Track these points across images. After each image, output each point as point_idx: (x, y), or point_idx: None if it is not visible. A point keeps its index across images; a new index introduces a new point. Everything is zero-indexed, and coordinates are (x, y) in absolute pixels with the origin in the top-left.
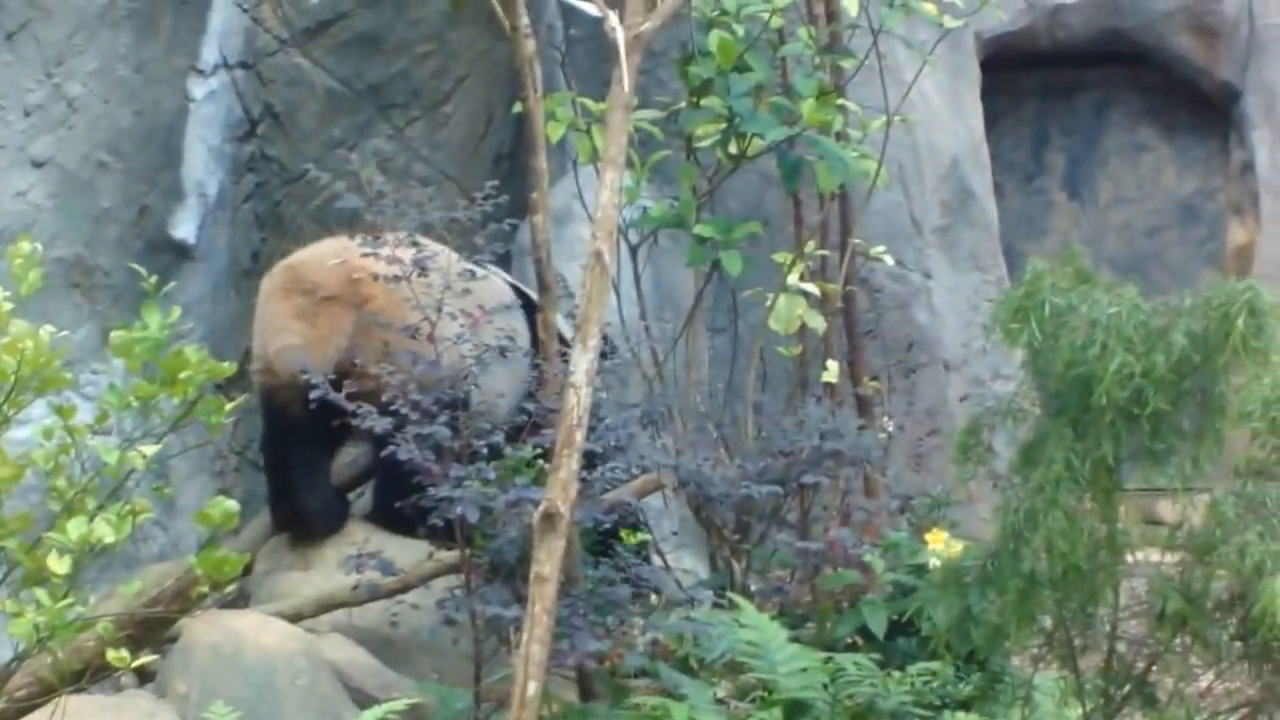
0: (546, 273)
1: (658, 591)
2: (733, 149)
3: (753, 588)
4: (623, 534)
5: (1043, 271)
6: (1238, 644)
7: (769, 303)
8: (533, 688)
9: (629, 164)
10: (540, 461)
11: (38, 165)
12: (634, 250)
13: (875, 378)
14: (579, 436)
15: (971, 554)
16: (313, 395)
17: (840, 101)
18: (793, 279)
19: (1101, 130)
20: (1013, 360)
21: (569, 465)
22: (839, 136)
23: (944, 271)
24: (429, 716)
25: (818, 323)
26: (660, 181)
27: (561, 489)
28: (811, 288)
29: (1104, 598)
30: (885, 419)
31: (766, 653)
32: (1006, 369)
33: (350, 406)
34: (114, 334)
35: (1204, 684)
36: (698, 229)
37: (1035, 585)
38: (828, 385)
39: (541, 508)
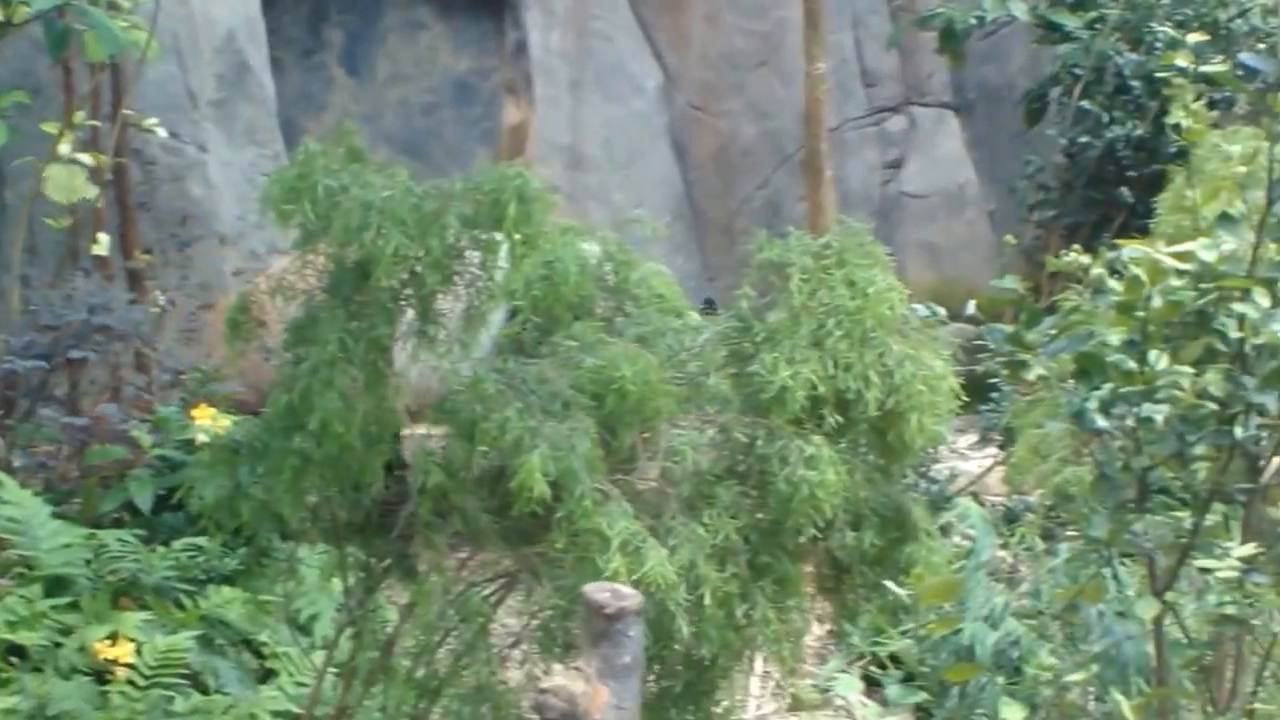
0: None
1: None
2: (1, 16)
3: (16, 464)
4: None
5: (316, 152)
6: (496, 517)
7: (41, 173)
8: None
9: None
10: None
11: None
12: None
13: (149, 251)
14: None
15: (242, 429)
16: None
17: None
18: (64, 149)
19: (379, 7)
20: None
21: None
22: (110, 7)
23: (220, 145)
24: None
25: (91, 193)
26: None
27: None
28: (86, 158)
29: (372, 474)
30: (158, 293)
31: (29, 529)
32: (284, 244)
33: None
34: None
35: (463, 555)
36: None
37: (309, 464)
38: (98, 258)
39: None
